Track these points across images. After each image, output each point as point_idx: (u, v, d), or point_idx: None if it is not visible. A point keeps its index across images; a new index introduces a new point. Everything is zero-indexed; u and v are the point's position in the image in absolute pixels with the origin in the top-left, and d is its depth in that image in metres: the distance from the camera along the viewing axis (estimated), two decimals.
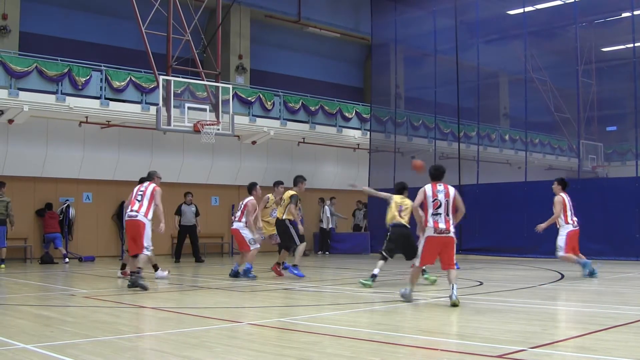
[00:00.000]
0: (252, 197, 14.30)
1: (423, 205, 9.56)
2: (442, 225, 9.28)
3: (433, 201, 9.46)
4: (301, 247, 14.13)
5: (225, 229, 24.81)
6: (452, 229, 9.35)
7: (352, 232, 27.39)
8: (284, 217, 14.23)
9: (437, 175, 9.86)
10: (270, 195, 15.62)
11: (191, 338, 6.98)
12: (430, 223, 9.31)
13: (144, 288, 11.36)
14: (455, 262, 9.43)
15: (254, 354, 6.06)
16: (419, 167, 11.93)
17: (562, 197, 13.71)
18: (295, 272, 13.81)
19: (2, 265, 17.96)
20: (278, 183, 15.50)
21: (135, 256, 11.81)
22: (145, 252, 11.78)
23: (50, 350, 6.06)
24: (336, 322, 8.09)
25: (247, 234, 13.96)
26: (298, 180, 14.75)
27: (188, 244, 20.92)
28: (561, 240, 13.57)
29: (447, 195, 9.55)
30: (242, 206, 14.21)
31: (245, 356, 5.96)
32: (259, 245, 14.26)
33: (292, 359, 5.86)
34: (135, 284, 11.44)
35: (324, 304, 9.61)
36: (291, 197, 14.17)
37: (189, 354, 6.06)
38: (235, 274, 14.02)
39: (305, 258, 22.14)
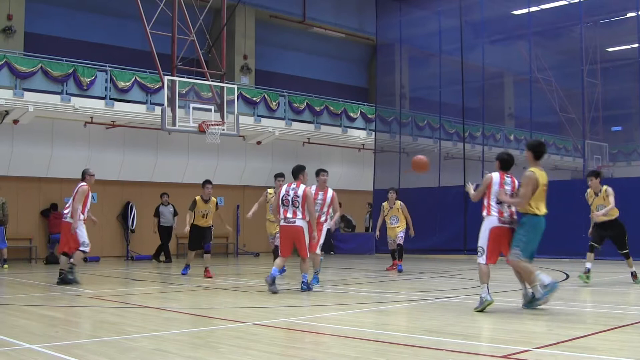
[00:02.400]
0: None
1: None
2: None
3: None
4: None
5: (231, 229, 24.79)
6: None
7: (359, 232, 27.38)
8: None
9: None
10: (270, 189, 15.27)
11: (196, 338, 6.99)
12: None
13: (76, 282, 12.74)
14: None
15: (259, 354, 6.06)
16: (421, 166, 11.49)
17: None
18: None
19: (5, 266, 18.04)
20: (278, 175, 14.47)
21: (65, 254, 13.05)
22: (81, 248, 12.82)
23: (55, 351, 6.07)
24: (341, 322, 8.09)
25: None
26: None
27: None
28: None
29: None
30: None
31: (251, 356, 5.96)
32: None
33: (297, 359, 5.87)
34: (65, 280, 12.73)
35: (328, 304, 9.61)
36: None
37: (194, 354, 6.07)
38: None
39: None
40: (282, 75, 28.85)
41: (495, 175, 8.95)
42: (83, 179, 13.15)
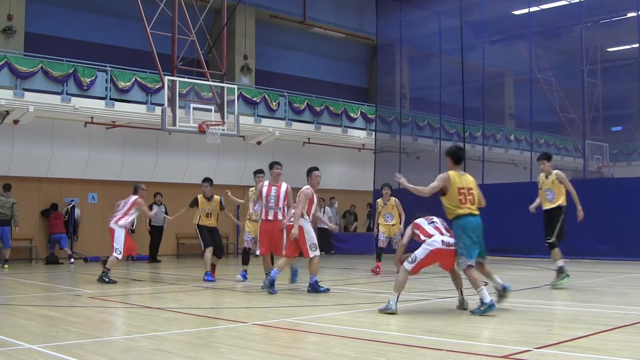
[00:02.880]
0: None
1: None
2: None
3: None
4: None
5: (231, 229, 24.82)
6: None
7: (359, 232, 27.39)
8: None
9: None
10: (252, 188, 14.15)
11: (196, 338, 6.99)
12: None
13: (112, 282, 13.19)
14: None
15: (259, 354, 6.06)
16: None
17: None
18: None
19: (6, 266, 18.03)
20: (257, 172, 14.06)
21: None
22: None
23: (55, 351, 6.07)
24: (341, 322, 8.09)
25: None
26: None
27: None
28: None
29: None
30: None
31: (251, 356, 5.96)
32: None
33: (298, 359, 5.86)
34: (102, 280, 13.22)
35: (328, 304, 9.60)
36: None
37: (194, 354, 6.07)
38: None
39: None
40: (283, 75, 28.85)
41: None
42: (135, 192, 14.34)
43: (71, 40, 23.37)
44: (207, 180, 14.46)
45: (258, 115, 24.23)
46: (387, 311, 8.41)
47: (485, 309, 8.29)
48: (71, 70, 19.96)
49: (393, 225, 16.18)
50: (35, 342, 6.49)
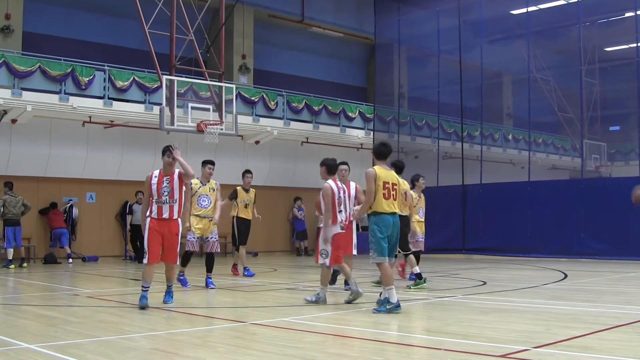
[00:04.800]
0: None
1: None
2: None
3: (337, 199, 9.70)
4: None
5: (228, 228, 24.77)
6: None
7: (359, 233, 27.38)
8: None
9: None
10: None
11: (195, 338, 6.99)
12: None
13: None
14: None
15: (258, 354, 6.06)
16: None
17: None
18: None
19: (25, 264, 18.32)
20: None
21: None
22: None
23: (54, 350, 6.07)
24: (340, 321, 8.09)
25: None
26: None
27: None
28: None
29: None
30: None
31: (249, 356, 5.96)
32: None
33: (296, 358, 5.86)
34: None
35: (328, 304, 9.60)
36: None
37: (193, 354, 6.07)
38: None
39: (307, 257, 22.15)
40: (281, 74, 28.83)
41: (332, 184, 9.59)
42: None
43: (69, 39, 23.35)
44: (249, 171, 14.98)
45: (256, 115, 24.22)
46: (319, 302, 9.32)
47: (387, 309, 8.43)
48: (69, 70, 19.94)
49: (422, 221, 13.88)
50: (33, 341, 6.48)
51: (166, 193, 9.22)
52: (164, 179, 9.39)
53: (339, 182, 9.86)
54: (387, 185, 8.74)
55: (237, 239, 14.88)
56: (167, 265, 9.49)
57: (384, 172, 8.83)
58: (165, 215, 9.18)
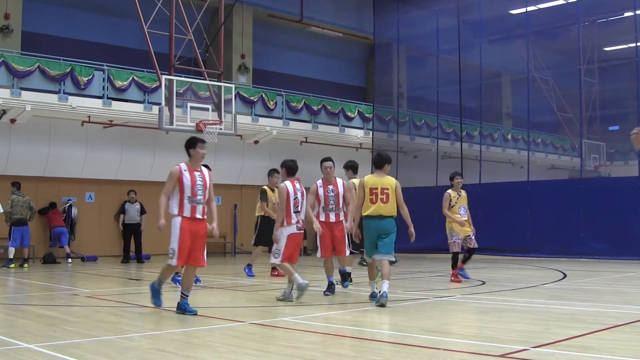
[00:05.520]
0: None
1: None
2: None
3: (294, 199, 9.98)
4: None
5: (228, 228, 24.85)
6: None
7: None
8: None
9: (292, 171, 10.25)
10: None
11: (194, 338, 6.99)
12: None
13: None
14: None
15: (257, 354, 6.06)
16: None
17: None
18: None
19: (25, 265, 18.27)
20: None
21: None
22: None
23: (53, 350, 6.07)
24: (339, 321, 8.09)
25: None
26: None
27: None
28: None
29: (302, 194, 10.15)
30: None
31: (249, 356, 5.96)
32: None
33: (296, 358, 5.86)
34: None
35: (327, 304, 9.61)
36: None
37: (192, 354, 6.07)
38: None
39: (307, 257, 22.15)
40: (280, 74, 28.83)
41: (288, 185, 9.95)
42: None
43: (68, 39, 23.34)
44: (276, 170, 14.69)
45: (255, 115, 24.22)
46: (285, 299, 9.61)
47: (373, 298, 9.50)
48: (68, 70, 19.93)
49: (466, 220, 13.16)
50: (32, 341, 6.48)
51: (201, 192, 8.70)
52: (195, 174, 8.93)
53: (297, 184, 10.10)
54: (374, 191, 9.38)
55: (259, 238, 14.77)
56: (192, 269, 8.72)
57: (372, 179, 9.54)
58: (199, 215, 8.60)
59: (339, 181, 11.00)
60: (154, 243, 21.24)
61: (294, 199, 9.88)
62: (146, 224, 20.62)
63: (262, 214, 14.80)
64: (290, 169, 10.17)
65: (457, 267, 12.73)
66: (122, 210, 21.15)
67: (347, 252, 11.20)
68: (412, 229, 9.53)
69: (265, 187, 14.94)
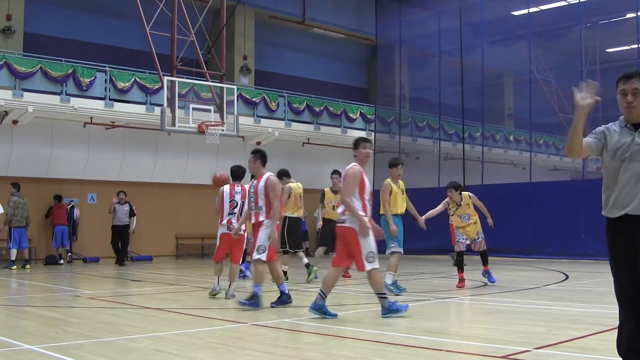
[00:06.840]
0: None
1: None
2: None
3: (230, 201, 10.76)
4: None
5: None
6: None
7: None
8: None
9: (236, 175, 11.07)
10: None
11: (195, 339, 6.99)
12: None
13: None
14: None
15: (258, 355, 6.06)
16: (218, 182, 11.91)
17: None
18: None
19: (27, 266, 18.31)
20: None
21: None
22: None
23: (54, 351, 6.08)
24: (340, 322, 8.09)
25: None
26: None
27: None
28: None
29: (243, 196, 10.67)
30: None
31: (250, 357, 5.96)
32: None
33: (297, 359, 5.86)
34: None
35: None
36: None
37: (193, 355, 6.07)
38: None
39: (308, 258, 22.13)
40: (282, 75, 28.82)
41: (226, 187, 10.89)
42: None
43: (70, 40, 23.34)
44: (337, 172, 14.73)
45: (257, 116, 24.22)
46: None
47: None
48: (70, 71, 19.94)
49: (475, 223, 13.08)
50: (34, 342, 6.49)
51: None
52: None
53: (237, 187, 11.03)
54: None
55: (322, 240, 14.94)
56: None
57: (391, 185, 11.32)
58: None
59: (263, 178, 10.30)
60: (155, 243, 21.29)
61: (230, 201, 10.83)
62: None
63: (323, 216, 15.11)
64: (232, 172, 11.32)
65: (463, 270, 12.33)
66: (112, 210, 20.82)
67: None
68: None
69: (326, 189, 15.50)
